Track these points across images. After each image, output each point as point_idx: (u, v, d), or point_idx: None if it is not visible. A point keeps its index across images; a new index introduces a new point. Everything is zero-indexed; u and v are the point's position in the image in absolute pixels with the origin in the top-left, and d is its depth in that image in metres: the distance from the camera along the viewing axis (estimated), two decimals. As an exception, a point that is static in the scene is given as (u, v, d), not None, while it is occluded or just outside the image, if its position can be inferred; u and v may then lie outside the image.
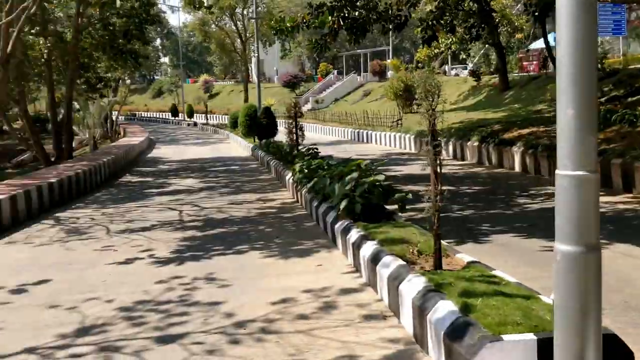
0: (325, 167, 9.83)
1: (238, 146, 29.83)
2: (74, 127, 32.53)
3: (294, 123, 14.21)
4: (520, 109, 26.19)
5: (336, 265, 6.73)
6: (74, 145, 40.97)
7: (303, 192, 10.41)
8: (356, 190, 7.20)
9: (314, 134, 34.73)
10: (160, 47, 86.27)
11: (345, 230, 6.95)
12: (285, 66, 69.36)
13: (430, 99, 5.22)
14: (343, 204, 7.11)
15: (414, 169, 17.15)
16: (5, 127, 26.55)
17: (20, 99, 19.15)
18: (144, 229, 9.66)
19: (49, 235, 9.59)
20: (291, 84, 59.89)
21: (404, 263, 5.27)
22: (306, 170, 10.38)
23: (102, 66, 26.43)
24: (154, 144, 34.27)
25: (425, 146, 5.17)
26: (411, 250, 5.70)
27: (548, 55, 30.53)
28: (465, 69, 51.56)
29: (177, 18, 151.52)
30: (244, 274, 6.59)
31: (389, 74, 55.26)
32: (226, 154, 25.85)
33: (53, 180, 13.22)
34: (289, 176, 13.09)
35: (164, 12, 77.62)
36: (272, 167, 16.89)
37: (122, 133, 40.94)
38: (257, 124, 23.62)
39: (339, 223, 7.32)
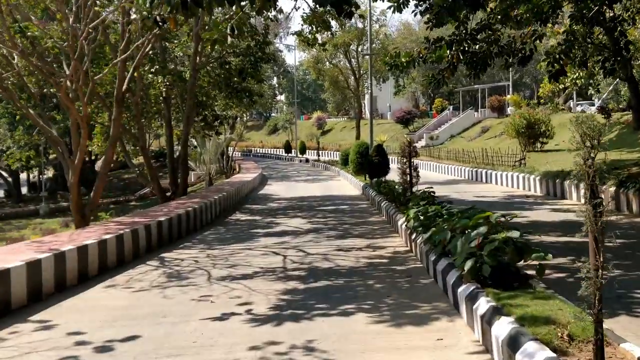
0: (445, 215, 8.74)
1: (348, 184, 29.19)
2: (191, 163, 33.57)
3: (407, 163, 13.22)
4: (660, 149, 23.56)
5: (460, 340, 5.59)
6: (192, 180, 42.46)
7: (418, 241, 9.35)
8: (484, 248, 6.07)
9: (428, 172, 33.40)
10: (276, 86, 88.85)
11: (472, 297, 5.83)
12: (399, 102, 68.63)
13: (589, 146, 4.11)
14: (468, 265, 6.00)
15: (542, 214, 15.51)
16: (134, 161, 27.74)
17: (140, 135, 19.69)
18: (245, 277, 9.02)
19: (150, 279, 9.21)
20: (404, 120, 58.88)
21: (553, 355, 4.09)
22: (422, 217, 9.34)
23: (219, 104, 26.99)
24: (266, 180, 34.51)
25: (584, 204, 4.03)
26: (560, 333, 4.49)
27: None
28: (592, 105, 48.24)
29: (293, 57, 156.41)
30: (349, 345, 5.63)
31: (509, 110, 52.84)
32: (336, 192, 25.24)
33: (162, 218, 13.08)
34: (401, 221, 12.07)
35: (281, 51, 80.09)
36: (383, 209, 15.94)
37: (237, 169, 41.84)
38: (369, 162, 22.84)
39: (463, 287, 6.20)
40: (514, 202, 19.14)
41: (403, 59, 18.57)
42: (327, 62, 47.58)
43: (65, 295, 8.33)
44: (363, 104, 61.33)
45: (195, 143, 31.05)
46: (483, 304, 5.50)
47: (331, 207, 19.34)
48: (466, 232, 6.71)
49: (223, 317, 6.79)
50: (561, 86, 38.29)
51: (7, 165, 41.43)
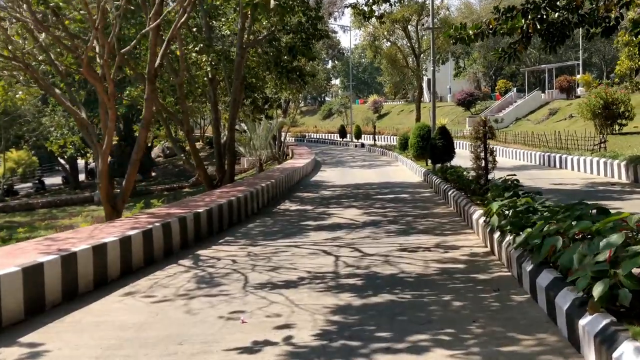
0: (542, 212, 6.84)
1: (408, 170, 27.27)
2: (241, 149, 32.32)
3: (482, 146, 11.26)
4: None
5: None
6: (245, 166, 41.31)
7: (504, 243, 7.46)
8: (620, 264, 4.20)
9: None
10: (331, 69, 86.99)
11: (608, 338, 3.98)
12: (459, 84, 65.73)
13: None
14: (599, 290, 4.14)
15: (638, 206, 13.27)
16: (187, 148, 26.52)
17: (184, 120, 18.36)
18: (288, 284, 7.40)
19: (177, 285, 7.72)
20: (466, 102, 56.06)
21: None
22: (508, 213, 7.45)
23: (269, 86, 25.49)
24: (319, 166, 32.94)
25: None
26: None
27: None
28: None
29: (348, 39, 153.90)
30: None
31: (579, 90, 49.35)
32: (394, 178, 23.39)
33: (201, 210, 11.63)
34: (477, 215, 10.19)
35: (335, 32, 78.09)
36: (451, 199, 14.04)
37: (290, 154, 40.47)
38: (431, 146, 20.85)
39: (589, 319, 4.34)
40: (598, 190, 16.87)
41: (470, 31, 16.59)
42: (385, 40, 45.26)
43: (74, 305, 6.92)
44: (423, 86, 58.76)
45: (245, 127, 29.68)
46: (630, 353, 3.65)
47: (390, 196, 17.53)
48: (584, 238, 4.85)
49: (253, 348, 5.16)
50: (640, 63, 35.04)
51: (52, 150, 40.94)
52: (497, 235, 8.02)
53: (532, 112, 49.30)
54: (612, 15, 16.23)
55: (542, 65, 59.04)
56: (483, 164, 11.41)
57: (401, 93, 75.52)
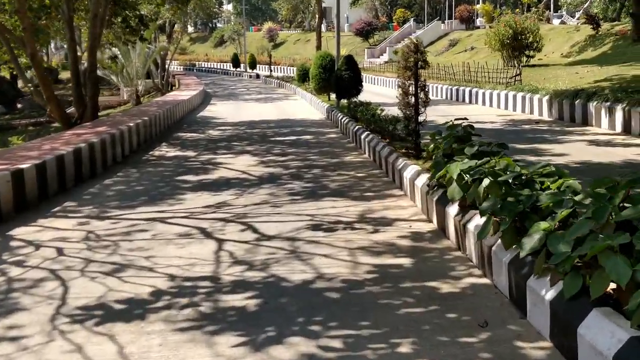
0: (534, 180, 4.26)
1: (308, 105, 24.41)
2: (114, 78, 27.89)
3: (413, 78, 8.53)
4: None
5: None
6: (125, 97, 36.54)
7: (474, 230, 4.82)
8: None
9: (395, 90, 28.76)
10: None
11: None
12: (357, 13, 62.75)
13: None
14: None
15: (580, 150, 11.35)
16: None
17: (26, 39, 14.21)
18: (131, 310, 4.38)
19: (-62, 312, 4.50)
20: (364, 32, 53.39)
21: None
22: (483, 182, 4.79)
23: (145, 2, 21.32)
24: (209, 98, 29.24)
25: None
26: None
27: None
28: (560, 17, 44.41)
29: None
30: None
31: (478, 21, 48.11)
32: (294, 115, 20.46)
33: (27, 165, 8.17)
34: (410, 172, 7.58)
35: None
36: (366, 145, 11.38)
37: (176, 85, 36.20)
38: (336, 78, 18.00)
39: None
40: (524, 129, 14.96)
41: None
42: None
43: None
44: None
45: (118, 52, 25.25)
46: None
47: (291, 137, 14.61)
48: None
49: None
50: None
51: None
52: (454, 210, 5.39)
53: (431, 43, 47.55)
54: None
55: (442, -6, 57.32)
56: (412, 101, 8.74)
57: (297, 21, 71.47)
